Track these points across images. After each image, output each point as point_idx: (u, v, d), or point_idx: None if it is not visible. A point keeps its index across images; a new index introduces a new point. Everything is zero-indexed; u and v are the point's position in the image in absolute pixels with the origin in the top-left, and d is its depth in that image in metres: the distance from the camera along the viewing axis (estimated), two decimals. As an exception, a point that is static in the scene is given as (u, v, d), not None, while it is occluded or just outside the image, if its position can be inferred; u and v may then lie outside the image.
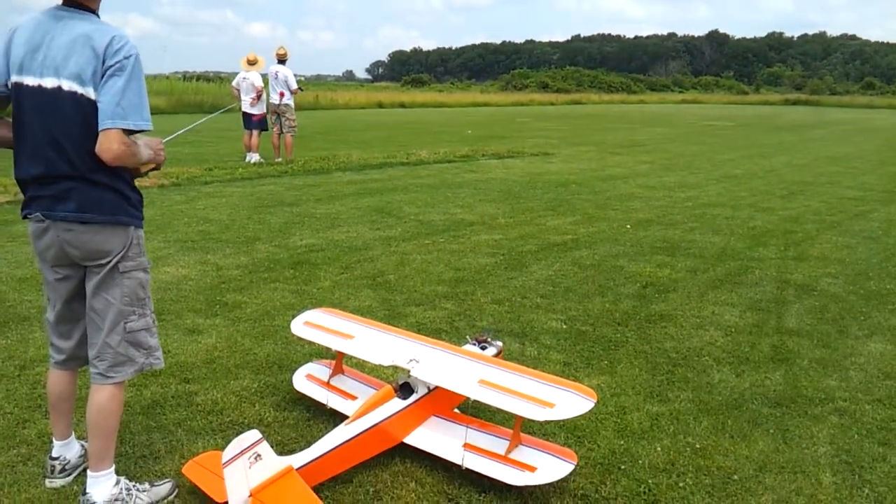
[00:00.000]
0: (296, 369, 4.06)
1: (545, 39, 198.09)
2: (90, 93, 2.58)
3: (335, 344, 3.74)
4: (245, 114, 14.12)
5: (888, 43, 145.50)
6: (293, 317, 4.11)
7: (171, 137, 3.36)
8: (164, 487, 3.01)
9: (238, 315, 5.26)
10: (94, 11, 2.71)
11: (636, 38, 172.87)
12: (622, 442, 3.55)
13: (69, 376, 3.03)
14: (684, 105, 58.83)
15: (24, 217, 2.83)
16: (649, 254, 7.39)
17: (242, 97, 13.92)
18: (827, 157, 17.88)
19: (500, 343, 4.15)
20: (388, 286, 6.06)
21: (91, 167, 2.65)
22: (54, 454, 3.09)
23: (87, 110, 2.58)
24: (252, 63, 13.96)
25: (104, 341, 2.83)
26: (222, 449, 2.65)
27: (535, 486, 3.03)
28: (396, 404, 3.36)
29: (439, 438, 3.34)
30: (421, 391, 3.46)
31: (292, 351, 4.59)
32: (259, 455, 2.64)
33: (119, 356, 2.84)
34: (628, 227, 8.75)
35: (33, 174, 2.71)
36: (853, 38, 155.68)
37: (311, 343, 4.64)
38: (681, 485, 3.19)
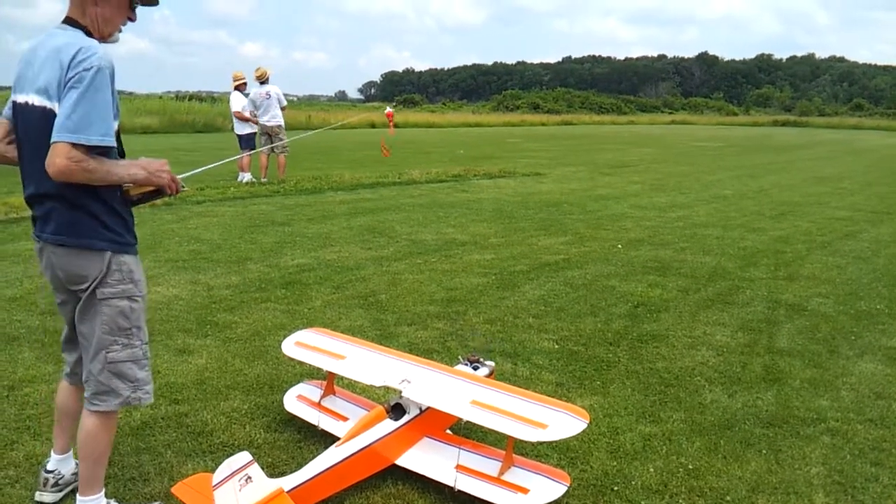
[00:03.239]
0: (287, 390, 4.03)
1: (536, 61, 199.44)
2: (56, 107, 2.48)
3: (326, 364, 3.71)
4: (238, 134, 14.14)
5: (876, 65, 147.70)
6: (284, 337, 4.10)
7: (190, 173, 3.27)
8: (153, 510, 2.98)
9: (229, 335, 5.23)
10: (83, 28, 2.62)
11: (626, 59, 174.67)
12: (615, 463, 3.53)
13: (75, 391, 2.99)
14: (674, 126, 59.30)
15: (32, 236, 2.83)
16: (641, 274, 7.41)
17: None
18: (816, 178, 18.03)
19: (492, 363, 4.11)
20: (379, 306, 6.05)
21: (66, 187, 2.51)
22: (49, 467, 3.06)
23: (52, 125, 2.45)
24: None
25: (88, 368, 2.77)
26: (212, 471, 2.62)
27: None
28: (388, 425, 3.34)
29: (431, 460, 3.31)
30: (413, 412, 3.43)
31: (283, 371, 4.56)
32: (250, 477, 2.61)
33: (101, 385, 2.75)
34: (619, 246, 8.78)
35: (29, 193, 2.70)
36: (841, 59, 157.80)
37: (301, 363, 4.63)
38: (674, 506, 3.18)
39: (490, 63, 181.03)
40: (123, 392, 2.78)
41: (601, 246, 8.78)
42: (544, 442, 3.38)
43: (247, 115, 13.81)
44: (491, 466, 3.19)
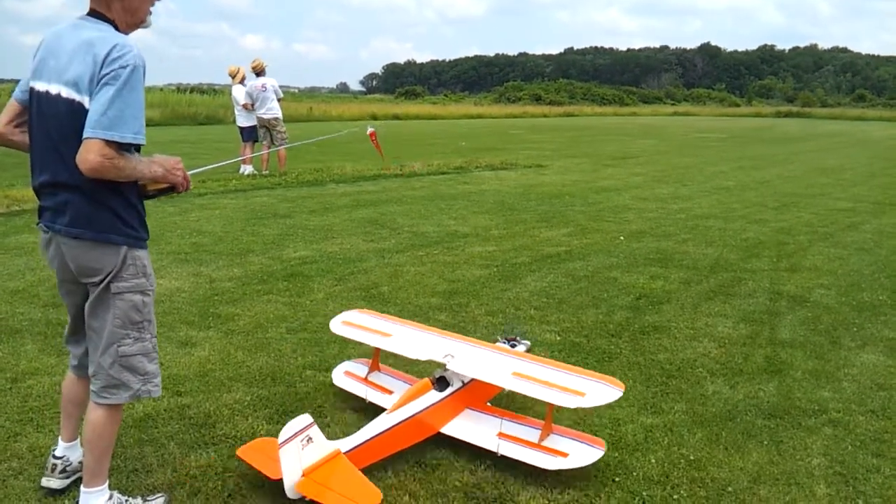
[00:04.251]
0: (334, 366, 4.26)
1: (538, 52, 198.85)
2: (86, 101, 2.49)
3: (374, 341, 3.96)
4: (241, 126, 14.13)
5: (879, 56, 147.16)
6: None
7: (199, 170, 3.32)
8: (157, 502, 2.99)
9: (231, 327, 5.24)
10: (111, 21, 2.63)
11: (629, 50, 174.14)
12: (616, 454, 3.54)
13: (81, 382, 3.00)
14: (676, 117, 59.14)
15: (38, 226, 2.83)
16: (643, 265, 7.41)
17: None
18: (818, 169, 17.98)
19: (528, 342, 4.36)
20: (381, 298, 6.05)
21: (87, 179, 2.51)
22: (58, 454, 3.08)
23: (82, 119, 2.47)
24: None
25: (98, 361, 2.77)
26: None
27: (568, 470, 3.23)
28: (433, 396, 3.58)
29: (475, 428, 3.54)
30: (456, 384, 3.68)
31: (285, 363, 4.57)
32: (311, 438, 2.91)
33: (112, 379, 2.76)
34: (622, 238, 8.77)
35: (40, 181, 2.70)
36: (844, 50, 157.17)
37: (302, 356, 4.65)
38: (675, 497, 3.19)
39: (492, 54, 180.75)
40: (134, 385, 2.81)
41: (603, 238, 8.78)
42: (582, 409, 3.61)
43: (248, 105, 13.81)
44: (531, 434, 3.42)
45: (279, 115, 13.83)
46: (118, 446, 3.40)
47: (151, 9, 2.79)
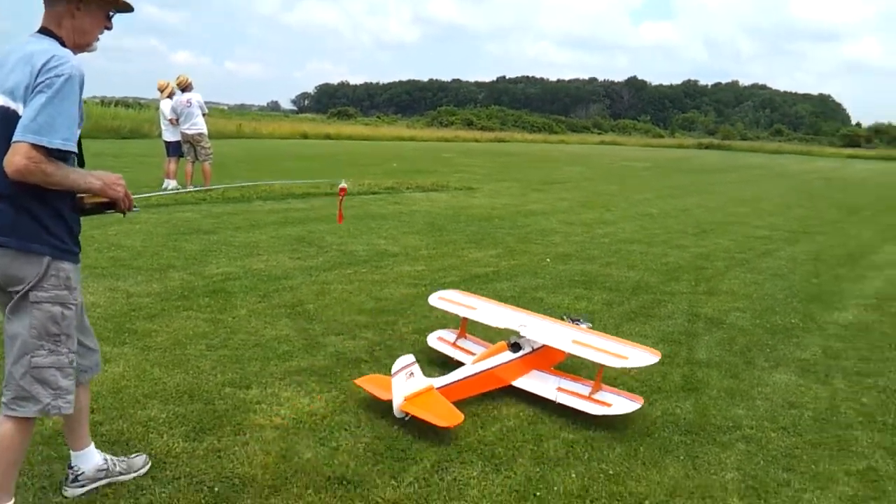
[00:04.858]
0: (430, 333, 5.29)
1: (471, 79, 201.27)
2: (20, 108, 2.52)
3: (463, 312, 5.04)
4: (166, 141, 13.79)
5: (796, 93, 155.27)
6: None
7: (146, 195, 3.28)
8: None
9: (148, 343, 5.06)
10: (58, 38, 2.67)
11: (559, 81, 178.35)
12: (538, 469, 3.57)
13: None
14: (603, 146, 60.81)
15: None
16: (568, 287, 7.54)
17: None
18: (737, 199, 18.74)
19: (590, 323, 5.30)
20: (307, 315, 5.96)
21: (14, 187, 2.51)
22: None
23: (14, 127, 2.48)
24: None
25: (9, 370, 2.70)
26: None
27: (611, 416, 4.05)
28: (508, 355, 4.53)
29: (538, 384, 4.43)
30: (527, 349, 4.62)
31: (204, 380, 4.43)
32: (412, 373, 3.93)
33: (21, 390, 2.68)
34: (548, 260, 8.91)
35: None
36: (763, 87, 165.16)
37: (222, 373, 4.53)
38: (594, 511, 3.22)
39: (426, 79, 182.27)
40: (44, 399, 2.72)
41: (530, 259, 8.90)
42: (626, 369, 4.57)
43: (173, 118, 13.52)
44: (584, 389, 4.29)
45: (203, 130, 13.55)
46: (26, 463, 3.23)
47: (100, 36, 2.84)
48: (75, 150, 2.60)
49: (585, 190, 19.02)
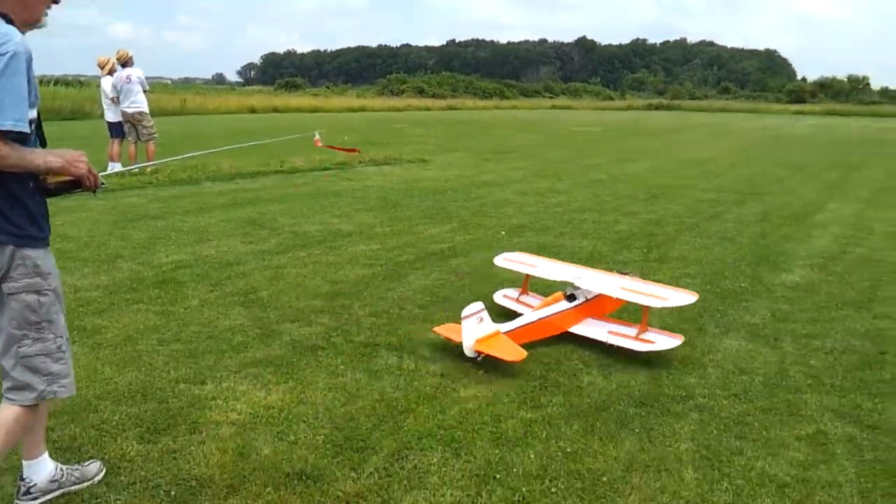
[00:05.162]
0: (497, 290, 6.04)
1: (421, 44, 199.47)
2: None
3: (525, 269, 5.77)
4: (109, 122, 13.38)
5: (743, 49, 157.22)
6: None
7: (111, 172, 3.18)
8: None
9: (98, 340, 4.94)
10: (3, 15, 2.55)
11: (509, 43, 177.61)
12: (497, 451, 3.60)
13: None
14: (555, 110, 61.00)
15: None
16: (523, 260, 7.56)
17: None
18: (687, 161, 19.01)
19: (638, 275, 5.84)
20: (261, 303, 5.88)
21: None
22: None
23: None
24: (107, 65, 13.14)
25: (1, 363, 2.73)
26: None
27: (655, 352, 4.79)
28: (565, 305, 5.23)
29: (592, 329, 5.11)
30: (581, 299, 5.30)
31: (157, 378, 4.35)
32: (482, 318, 4.57)
33: (16, 381, 2.74)
34: (503, 233, 8.94)
35: None
36: (711, 44, 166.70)
37: (175, 368, 4.46)
38: (553, 490, 3.28)
39: (374, 45, 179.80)
40: (38, 386, 2.77)
41: (485, 233, 8.91)
42: (667, 308, 5.20)
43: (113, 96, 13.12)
44: (631, 332, 4.98)
45: (144, 108, 13.17)
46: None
47: (48, 11, 2.72)
48: (27, 129, 2.50)
49: (538, 157, 19.07)
